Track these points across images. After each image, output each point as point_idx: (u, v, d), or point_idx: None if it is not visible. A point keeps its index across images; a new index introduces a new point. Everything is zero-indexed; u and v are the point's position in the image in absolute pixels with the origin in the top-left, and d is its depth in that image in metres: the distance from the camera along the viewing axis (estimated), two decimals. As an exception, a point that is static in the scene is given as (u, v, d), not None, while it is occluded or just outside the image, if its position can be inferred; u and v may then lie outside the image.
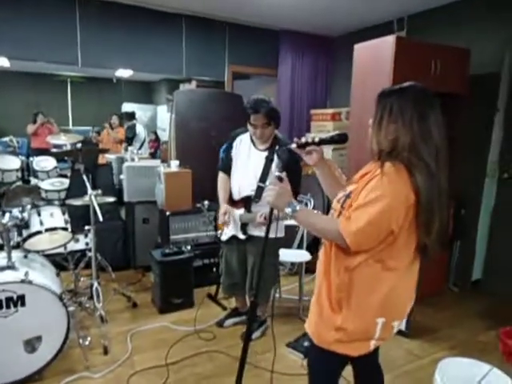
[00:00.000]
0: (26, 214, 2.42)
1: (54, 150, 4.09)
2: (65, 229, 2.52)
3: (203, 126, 4.43)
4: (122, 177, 3.77)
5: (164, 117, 8.57)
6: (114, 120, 6.46)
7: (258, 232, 2.56)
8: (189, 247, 3.26)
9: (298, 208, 1.33)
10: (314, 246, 3.60)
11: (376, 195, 1.19)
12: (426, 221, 1.21)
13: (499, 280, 3.46)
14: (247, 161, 2.58)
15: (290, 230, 3.33)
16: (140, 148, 5.66)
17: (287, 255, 3.14)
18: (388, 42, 2.84)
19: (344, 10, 4.05)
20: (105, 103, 8.85)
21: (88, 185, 2.71)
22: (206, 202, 3.64)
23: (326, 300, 1.33)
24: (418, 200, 1.18)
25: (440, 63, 2.98)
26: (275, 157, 2.47)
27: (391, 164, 1.20)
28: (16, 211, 2.37)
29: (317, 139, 1.46)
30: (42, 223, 2.42)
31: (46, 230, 2.40)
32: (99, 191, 2.74)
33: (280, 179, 1.43)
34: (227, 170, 2.71)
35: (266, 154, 2.52)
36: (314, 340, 1.36)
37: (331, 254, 1.32)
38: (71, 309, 2.36)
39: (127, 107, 8.08)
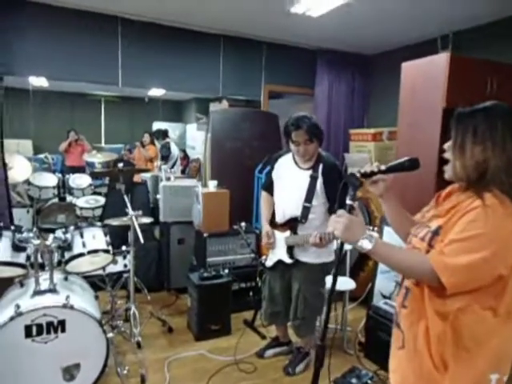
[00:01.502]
0: (68, 236, 2.38)
1: (96, 170, 4.10)
2: (106, 251, 2.46)
3: (238, 145, 4.38)
4: (158, 196, 3.72)
5: (193, 135, 8.66)
6: (146, 138, 6.52)
7: (305, 257, 2.42)
8: (226, 270, 3.14)
9: (375, 241, 1.16)
10: (355, 271, 3.43)
11: (477, 232, 1.03)
12: None
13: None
14: (291, 181, 2.47)
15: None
16: (173, 166, 5.65)
17: (329, 283, 2.97)
18: (441, 60, 2.71)
19: (383, 29, 3.97)
20: (136, 122, 9.04)
21: (129, 205, 2.66)
22: (243, 224, 3.53)
23: (425, 355, 1.15)
24: None
25: (496, 81, 2.82)
26: (320, 175, 2.37)
27: (492, 195, 1.05)
28: (60, 232, 2.33)
29: (383, 167, 1.30)
30: (84, 245, 2.37)
31: (89, 253, 2.34)
32: (140, 212, 2.68)
33: (352, 209, 1.30)
34: (269, 189, 2.62)
35: (310, 172, 2.41)
36: None
37: (424, 299, 1.16)
38: (110, 335, 2.27)
39: (157, 125, 8.20)
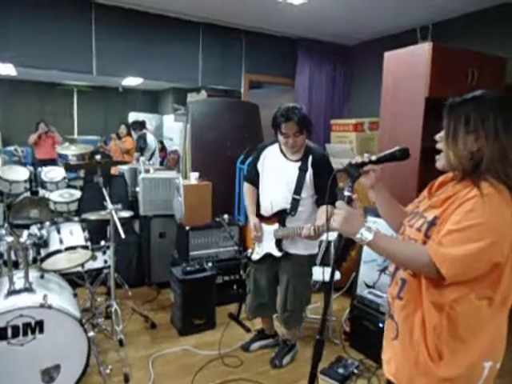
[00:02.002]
0: (44, 232, 2.26)
1: (72, 162, 3.93)
2: (85, 247, 2.35)
3: (219, 136, 4.29)
4: (137, 189, 3.61)
5: (171, 126, 8.47)
6: (122, 129, 6.31)
7: (295, 249, 2.40)
8: (210, 264, 3.08)
9: (374, 233, 1.15)
10: (338, 261, 3.44)
11: (475, 222, 1.02)
12: None
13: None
14: (279, 173, 2.42)
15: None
16: (151, 158, 5.51)
17: (316, 273, 2.97)
18: (423, 49, 2.71)
19: (364, 19, 3.95)
20: (111, 112, 8.76)
21: (108, 199, 2.55)
22: (226, 216, 3.48)
23: (420, 346, 1.14)
24: None
25: (477, 71, 2.85)
26: (309, 167, 2.33)
27: (488, 184, 1.04)
28: (35, 228, 2.21)
29: (374, 157, 1.29)
30: (61, 241, 2.25)
31: (66, 249, 2.23)
32: (119, 206, 2.58)
33: (350, 200, 1.27)
34: (253, 181, 2.56)
35: (299, 164, 2.36)
36: None
37: (421, 290, 1.15)
38: (91, 334, 2.18)
39: (134, 116, 7.97)
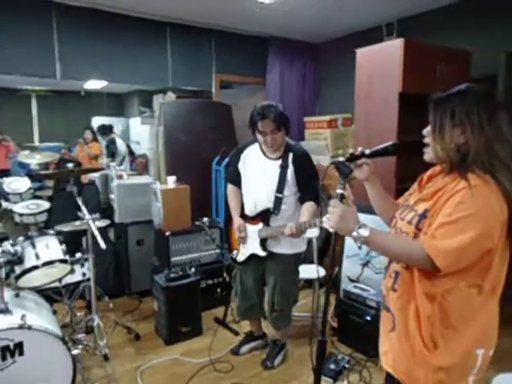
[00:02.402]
0: (18, 248, 2.11)
1: (44, 172, 3.73)
2: (63, 261, 2.23)
3: (192, 138, 4.22)
4: (111, 196, 3.47)
5: (137, 129, 8.24)
6: (88, 135, 6.07)
7: (280, 248, 2.38)
8: (193, 269, 3.01)
9: (369, 230, 1.15)
10: (320, 257, 3.46)
11: (466, 213, 1.05)
12: None
13: None
14: (260, 172, 2.40)
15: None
16: (121, 163, 5.33)
17: (302, 271, 2.97)
18: (395, 45, 2.76)
19: (331, 17, 4.00)
20: (73, 118, 8.41)
21: (84, 209, 2.43)
22: (206, 219, 3.42)
23: (416, 337, 1.16)
24: (510, 209, 1.06)
25: (444, 66, 2.94)
26: (290, 164, 2.33)
27: (476, 175, 1.07)
28: (7, 245, 2.06)
29: (367, 151, 1.30)
30: (38, 257, 2.11)
31: (44, 264, 2.10)
32: (97, 215, 2.46)
33: (342, 197, 1.26)
34: (236, 182, 2.53)
35: (279, 162, 2.35)
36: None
37: (414, 281, 1.17)
38: (75, 352, 2.07)
39: (97, 121, 7.68)
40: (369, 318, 2.62)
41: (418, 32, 3.84)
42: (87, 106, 8.36)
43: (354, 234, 1.15)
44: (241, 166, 2.50)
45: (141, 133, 7.77)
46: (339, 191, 1.28)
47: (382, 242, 1.18)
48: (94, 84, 4.53)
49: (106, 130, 5.62)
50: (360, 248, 1.22)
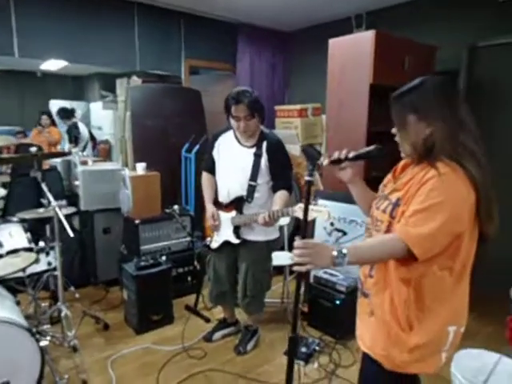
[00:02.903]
0: (-21, 236, 1.99)
1: (4, 156, 3.50)
2: (29, 249, 2.12)
3: (161, 123, 4.12)
4: (76, 183, 3.33)
5: (99, 114, 7.90)
6: (45, 120, 5.75)
7: (253, 236, 2.40)
8: (164, 257, 2.97)
9: (346, 252, 1.12)
10: (290, 244, 3.52)
11: (437, 200, 1.10)
12: (487, 209, 1.15)
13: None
14: (234, 160, 2.39)
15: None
16: (84, 149, 5.11)
17: (273, 258, 3.01)
18: (367, 37, 2.82)
19: (301, 5, 3.99)
20: (28, 100, 7.88)
21: (50, 195, 2.31)
22: (177, 207, 3.37)
23: (392, 320, 1.21)
24: (477, 193, 1.12)
25: (412, 59, 3.04)
26: (264, 152, 2.33)
27: (444, 164, 1.12)
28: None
29: (351, 154, 1.33)
30: (1, 245, 2.00)
31: (8, 253, 1.99)
32: (64, 202, 2.36)
33: (311, 185, 1.29)
34: (211, 170, 2.52)
35: (253, 150, 2.35)
36: (383, 365, 1.24)
37: (390, 269, 1.22)
38: (44, 343, 1.99)
39: (55, 104, 7.29)
40: (338, 302, 2.71)
41: (386, 25, 3.93)
42: (44, 89, 7.88)
43: (339, 260, 1.11)
44: (215, 153, 2.47)
45: (103, 118, 7.45)
46: (307, 178, 1.29)
47: (362, 257, 1.18)
48: (52, 64, 4.26)
49: (68, 113, 5.37)
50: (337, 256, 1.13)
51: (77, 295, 2.93)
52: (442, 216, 1.09)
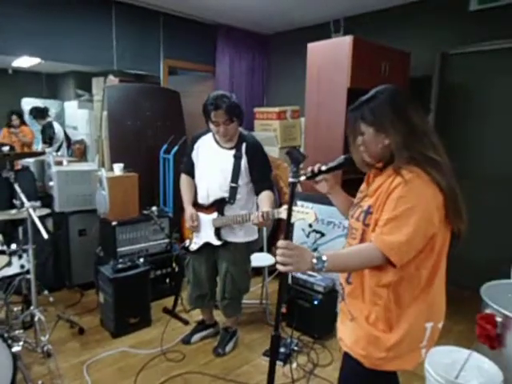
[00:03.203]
0: None
1: None
2: (0, 252, 2.05)
3: (139, 124, 4.06)
4: (51, 184, 3.24)
5: (74, 113, 7.71)
6: (15, 120, 5.57)
7: (234, 237, 2.40)
8: (142, 259, 2.93)
9: (326, 259, 1.14)
10: (268, 246, 3.54)
11: (407, 206, 1.14)
12: (455, 208, 1.19)
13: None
14: (213, 162, 2.39)
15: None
16: (58, 149, 4.98)
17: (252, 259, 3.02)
18: (345, 42, 2.88)
19: (280, 9, 4.02)
20: (-2, 98, 7.63)
21: (23, 196, 2.25)
22: (155, 208, 3.34)
23: (372, 326, 1.25)
24: (443, 194, 1.17)
25: (388, 65, 3.13)
26: (244, 154, 2.34)
27: (407, 170, 1.16)
28: None
29: (323, 168, 1.39)
30: (-29, 248, 1.93)
31: (-21, 256, 1.92)
32: (37, 203, 2.30)
33: (294, 186, 1.31)
34: (190, 172, 2.51)
35: (233, 152, 2.36)
36: (363, 363, 1.26)
37: (364, 275, 1.25)
38: (16, 349, 1.93)
39: (28, 103, 7.08)
40: (316, 303, 2.74)
41: (364, 31, 4.02)
42: (15, 86, 7.63)
43: (319, 266, 1.13)
44: (194, 155, 2.47)
45: (78, 117, 7.28)
46: (291, 180, 1.31)
47: (341, 264, 1.20)
48: (24, 61, 4.14)
49: (42, 113, 5.20)
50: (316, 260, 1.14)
51: (51, 299, 2.85)
52: (414, 220, 1.13)
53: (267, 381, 1.35)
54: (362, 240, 1.25)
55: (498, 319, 2.01)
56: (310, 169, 1.40)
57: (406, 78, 3.39)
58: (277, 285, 3.18)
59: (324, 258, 1.13)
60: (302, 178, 1.37)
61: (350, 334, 1.33)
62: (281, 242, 1.14)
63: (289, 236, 1.26)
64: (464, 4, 3.38)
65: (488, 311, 2.09)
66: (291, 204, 1.30)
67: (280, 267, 1.14)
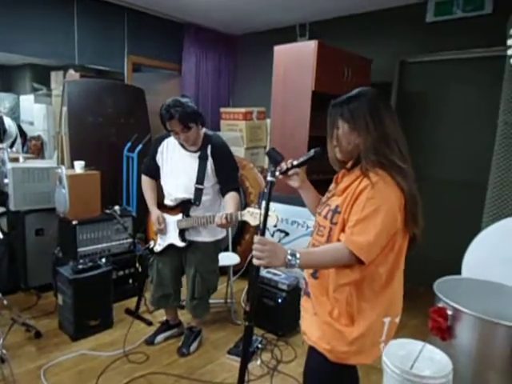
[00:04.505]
0: None
1: None
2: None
3: (101, 121, 3.95)
4: (5, 181, 3.09)
5: (30, 108, 7.35)
6: None
7: (199, 237, 2.40)
8: (104, 260, 2.86)
9: (299, 256, 1.19)
10: (233, 245, 3.56)
11: (375, 207, 1.20)
12: (413, 213, 1.26)
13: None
14: (179, 164, 2.37)
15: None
16: (12, 145, 4.73)
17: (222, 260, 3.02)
18: (309, 46, 2.96)
19: (247, 11, 4.06)
20: None
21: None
22: (117, 207, 3.27)
23: (334, 320, 1.30)
24: (404, 198, 1.24)
25: (351, 70, 3.24)
26: (209, 156, 2.34)
27: (374, 173, 1.23)
28: None
29: (295, 162, 1.44)
30: None
31: None
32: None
33: (272, 185, 1.35)
34: (151, 174, 2.48)
35: (198, 154, 2.35)
36: (328, 357, 1.31)
37: (331, 272, 1.30)
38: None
39: (-22, 95, 6.67)
40: (280, 301, 2.79)
41: (328, 36, 4.12)
42: (-35, 78, 7.18)
43: (292, 262, 1.18)
44: (159, 157, 2.43)
45: (34, 112, 6.95)
46: (269, 179, 1.35)
47: (313, 260, 1.26)
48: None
49: (-7, 106, 4.92)
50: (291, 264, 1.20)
51: (5, 302, 2.71)
52: (381, 220, 1.20)
53: (239, 372, 1.37)
54: (330, 237, 1.30)
55: (449, 312, 2.13)
56: (283, 164, 1.44)
57: (367, 84, 3.51)
58: (242, 284, 3.22)
59: (298, 255, 1.18)
60: (277, 173, 1.41)
61: (314, 328, 1.37)
62: (255, 238, 1.20)
63: (264, 232, 1.30)
64: (422, 16, 3.56)
65: (440, 305, 2.22)
66: (269, 202, 1.32)
67: (254, 261, 1.19)
